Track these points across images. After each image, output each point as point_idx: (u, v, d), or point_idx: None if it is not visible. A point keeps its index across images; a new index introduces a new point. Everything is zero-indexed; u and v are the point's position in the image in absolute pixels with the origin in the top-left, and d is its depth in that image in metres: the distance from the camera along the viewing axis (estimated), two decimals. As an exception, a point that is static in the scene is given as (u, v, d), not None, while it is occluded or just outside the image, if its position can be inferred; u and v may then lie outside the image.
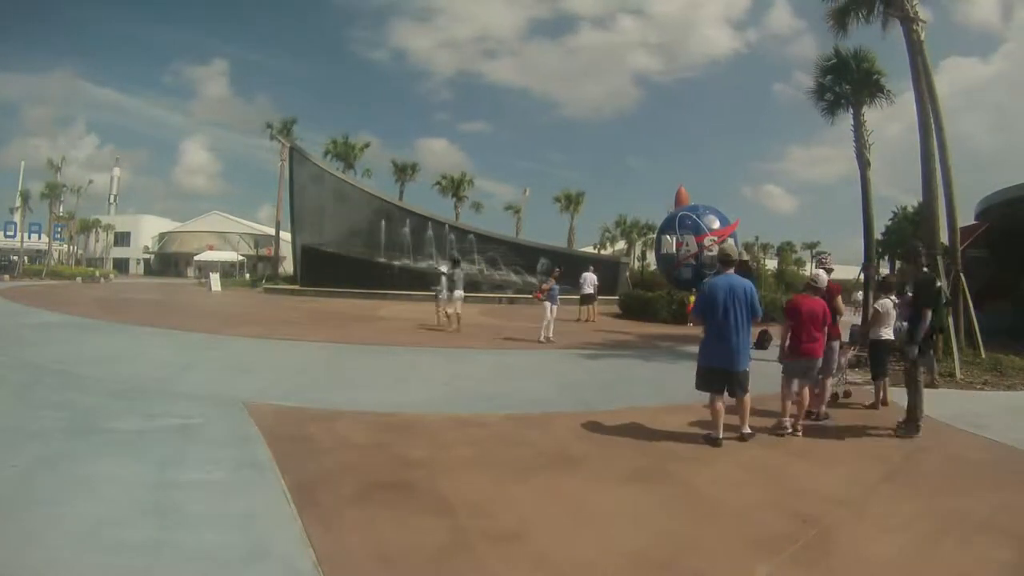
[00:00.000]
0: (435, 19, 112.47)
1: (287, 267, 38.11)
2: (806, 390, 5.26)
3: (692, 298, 13.40)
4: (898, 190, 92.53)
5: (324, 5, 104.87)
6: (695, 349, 11.16)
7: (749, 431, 4.79)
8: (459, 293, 12.26)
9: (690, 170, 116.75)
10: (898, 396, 6.17)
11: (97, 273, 40.68)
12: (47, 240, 47.91)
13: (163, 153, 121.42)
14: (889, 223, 36.55)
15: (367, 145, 41.08)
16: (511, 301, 24.28)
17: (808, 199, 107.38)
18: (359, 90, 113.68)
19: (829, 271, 5.96)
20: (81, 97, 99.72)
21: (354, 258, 27.14)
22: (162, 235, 63.81)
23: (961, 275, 9.37)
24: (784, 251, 66.78)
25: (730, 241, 8.73)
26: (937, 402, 6.63)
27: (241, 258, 52.77)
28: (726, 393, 4.66)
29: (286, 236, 32.81)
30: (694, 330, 12.62)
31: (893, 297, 6.27)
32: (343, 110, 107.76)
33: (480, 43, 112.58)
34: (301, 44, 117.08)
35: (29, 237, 47.27)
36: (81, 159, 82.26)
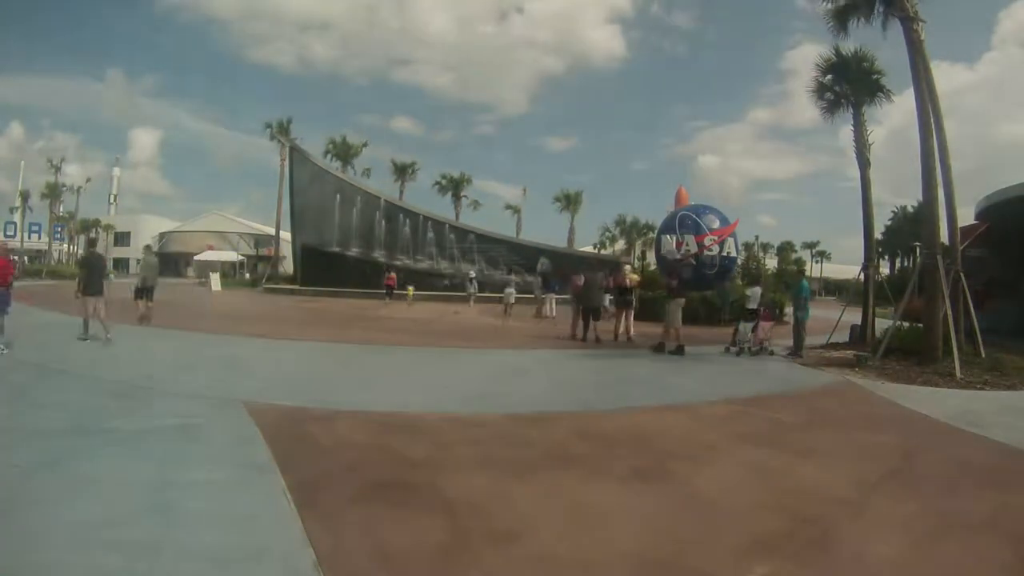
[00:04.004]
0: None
1: (287, 267, 38.08)
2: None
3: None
4: (886, 192, 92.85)
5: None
6: (695, 349, 11.19)
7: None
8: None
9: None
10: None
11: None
12: (47, 240, 47.91)
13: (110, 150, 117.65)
14: (889, 223, 36.58)
15: (365, 144, 41.27)
16: (511, 300, 24.32)
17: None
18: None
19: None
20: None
21: (354, 258, 27.17)
22: (162, 235, 63.76)
23: (961, 275, 9.36)
24: (784, 251, 66.91)
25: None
26: (937, 402, 6.66)
27: (241, 258, 52.72)
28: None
29: (286, 236, 32.82)
30: (695, 330, 12.62)
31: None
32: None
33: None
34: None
35: (29, 237, 47.27)
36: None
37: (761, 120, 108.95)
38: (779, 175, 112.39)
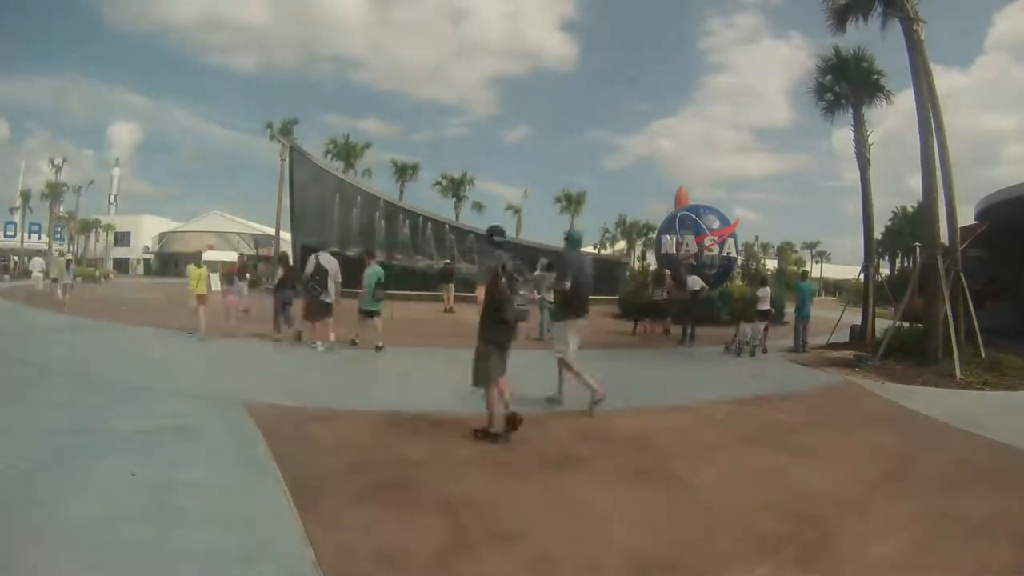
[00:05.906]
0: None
1: (287, 267, 37.92)
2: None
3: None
4: (877, 191, 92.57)
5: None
6: (696, 349, 11.15)
7: None
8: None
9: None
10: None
11: (97, 273, 40.61)
12: (47, 240, 47.92)
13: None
14: (889, 223, 36.55)
15: (368, 145, 41.31)
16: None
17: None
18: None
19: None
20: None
21: (354, 258, 27.13)
22: (162, 235, 63.75)
23: (961, 275, 9.35)
24: (784, 251, 67.00)
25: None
26: (937, 402, 6.66)
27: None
28: None
29: (286, 236, 32.78)
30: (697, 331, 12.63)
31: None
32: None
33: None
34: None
35: (29, 237, 47.31)
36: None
37: (739, 117, 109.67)
38: (755, 172, 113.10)
